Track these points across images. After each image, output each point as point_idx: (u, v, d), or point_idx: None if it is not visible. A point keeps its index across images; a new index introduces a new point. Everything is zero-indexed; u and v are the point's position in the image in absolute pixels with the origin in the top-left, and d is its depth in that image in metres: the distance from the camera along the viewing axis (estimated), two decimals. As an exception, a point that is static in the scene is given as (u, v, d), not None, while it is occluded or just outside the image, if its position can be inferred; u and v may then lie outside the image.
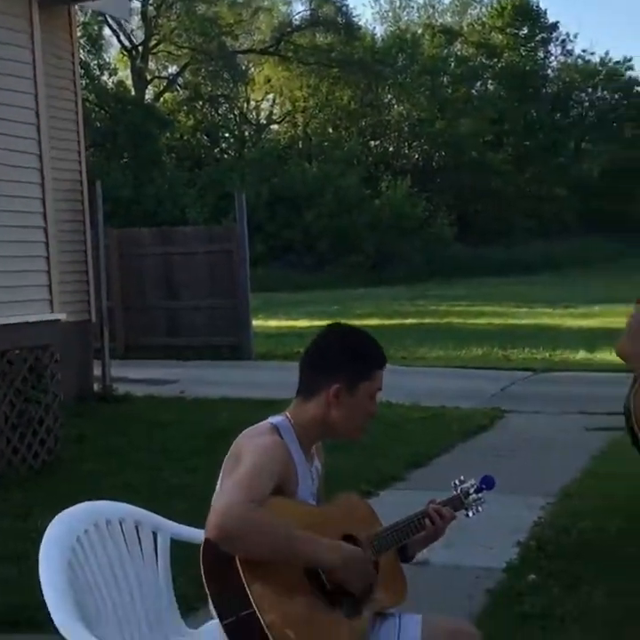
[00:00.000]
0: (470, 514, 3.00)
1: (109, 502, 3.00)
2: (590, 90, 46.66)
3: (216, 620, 2.61)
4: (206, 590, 2.49)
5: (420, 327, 17.71)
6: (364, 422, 2.76)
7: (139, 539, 2.97)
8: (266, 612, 2.35)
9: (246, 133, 44.18)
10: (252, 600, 2.35)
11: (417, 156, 43.09)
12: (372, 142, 43.49)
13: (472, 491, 3.00)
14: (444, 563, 5.15)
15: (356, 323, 17.17)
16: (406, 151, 43.49)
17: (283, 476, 2.56)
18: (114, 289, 13.87)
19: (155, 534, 3.04)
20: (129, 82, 40.56)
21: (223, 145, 44.35)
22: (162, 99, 42.10)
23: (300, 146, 42.28)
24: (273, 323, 18.99)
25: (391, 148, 43.65)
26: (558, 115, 45.20)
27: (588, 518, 5.47)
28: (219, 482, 2.67)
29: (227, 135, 44.90)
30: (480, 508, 3.02)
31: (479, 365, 12.86)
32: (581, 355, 13.11)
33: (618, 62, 46.20)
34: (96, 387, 10.73)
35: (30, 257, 7.86)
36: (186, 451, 7.70)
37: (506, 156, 40.93)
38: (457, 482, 3.03)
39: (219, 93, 43.22)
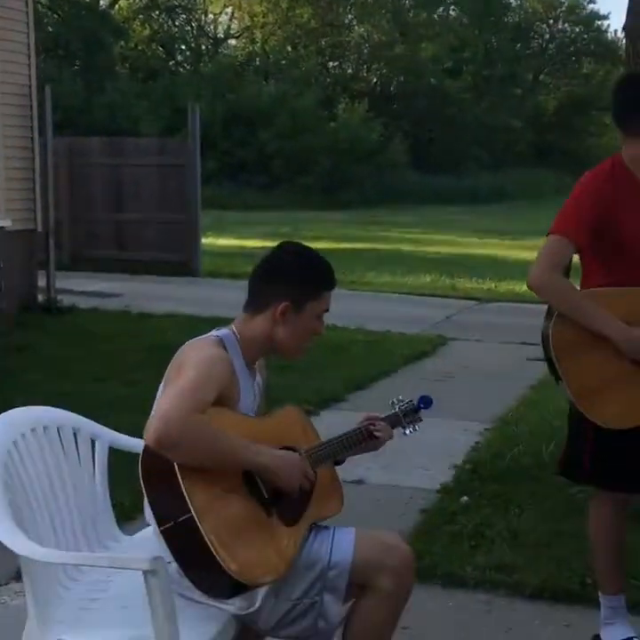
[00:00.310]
0: (407, 432, 3.07)
1: (48, 408, 2.99)
2: (551, 22, 46.39)
3: (152, 527, 2.65)
4: (144, 496, 2.52)
5: (369, 253, 17.73)
6: (307, 342, 2.80)
7: (76, 445, 2.98)
8: (204, 517, 2.39)
9: (203, 47, 43.31)
10: (190, 505, 2.39)
11: (375, 80, 42.67)
12: (331, 63, 42.97)
13: (410, 409, 3.06)
14: (381, 482, 5.26)
15: (307, 245, 17.12)
16: (365, 74, 43.02)
17: (224, 389, 2.58)
18: (62, 199, 13.61)
19: (93, 442, 3.05)
20: (83, -14, 39.35)
21: (179, 57, 43.47)
22: (117, 6, 40.93)
23: (258, 63, 41.59)
24: (223, 241, 18.87)
25: (350, 70, 43.16)
26: (518, 45, 44.92)
27: (522, 444, 5.59)
28: (159, 391, 2.68)
29: (183, 47, 43.96)
30: (417, 427, 3.09)
31: (426, 293, 12.95)
32: (526, 287, 13.21)
33: (580, -6, 45.97)
34: (40, 297, 10.62)
35: (-25, 161, 7.69)
36: (129, 363, 7.69)
37: (464, 84, 40.67)
38: (395, 400, 3.09)
39: (176, 3, 42.16)
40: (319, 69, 40.21)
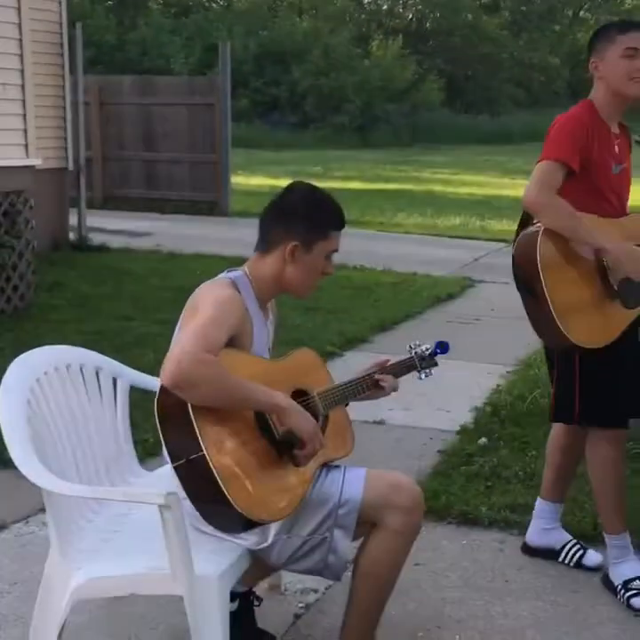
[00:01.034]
0: (422, 376, 3.13)
1: (70, 347, 3.08)
2: (593, -44, 45.28)
3: (170, 464, 2.74)
4: (160, 434, 2.60)
5: (400, 193, 17.64)
6: (316, 281, 2.84)
7: (98, 383, 3.06)
8: (215, 456, 2.47)
9: (237, -18, 42.70)
10: (202, 443, 2.46)
11: (411, 16, 41.95)
12: (366, -1, 42.28)
13: (426, 354, 3.11)
14: (402, 423, 5.34)
15: (337, 185, 17.13)
16: (400, 10, 42.29)
17: (238, 330, 2.64)
18: (93, 138, 13.68)
19: (114, 380, 3.14)
20: None
21: (212, -7, 42.90)
22: (150, -60, 40.40)
23: (291, -1, 41.01)
24: (253, 181, 18.84)
25: (385, 7, 42.42)
26: (558, -20, 43.90)
27: (542, 386, 5.63)
28: (176, 331, 2.75)
29: (216, -18, 43.38)
30: (432, 372, 3.14)
31: (456, 234, 12.91)
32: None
33: None
34: (72, 236, 10.72)
35: (5, 100, 7.73)
36: (157, 303, 7.77)
37: (501, 20, 39.89)
38: (412, 345, 3.14)
39: (210, -62, 41.55)
40: (353, 5, 39.58)
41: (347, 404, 2.98)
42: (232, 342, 2.61)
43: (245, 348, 2.69)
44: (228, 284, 2.72)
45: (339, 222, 2.85)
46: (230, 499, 2.45)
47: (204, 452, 2.45)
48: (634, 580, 3.44)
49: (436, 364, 3.15)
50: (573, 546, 3.70)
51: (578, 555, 3.67)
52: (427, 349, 3.13)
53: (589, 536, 3.83)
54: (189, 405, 2.48)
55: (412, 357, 3.10)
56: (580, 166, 3.25)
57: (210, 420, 2.49)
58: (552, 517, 3.74)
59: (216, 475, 2.45)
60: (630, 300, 3.27)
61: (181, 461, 2.51)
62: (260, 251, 2.83)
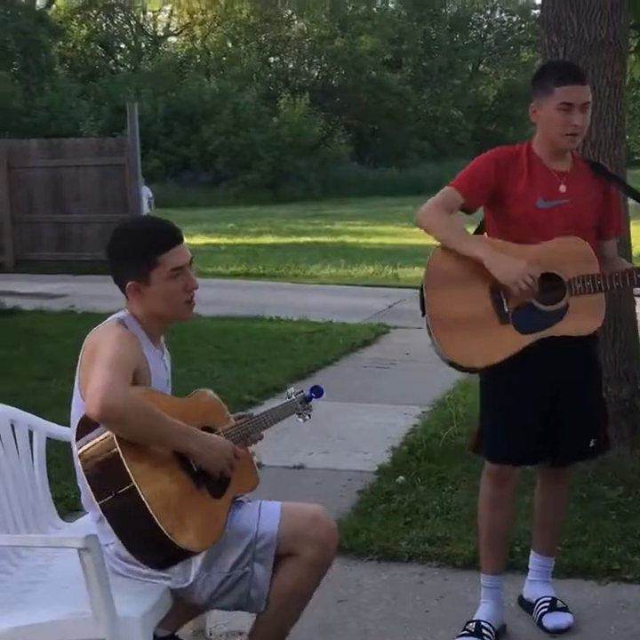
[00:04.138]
0: (301, 420, 3.29)
1: (-16, 402, 3.09)
2: (489, 11, 46.87)
3: (90, 514, 2.77)
4: (81, 472, 2.62)
5: (313, 245, 17.87)
6: (184, 299, 2.85)
7: (14, 436, 3.08)
8: (144, 487, 2.51)
9: (143, 45, 43.07)
10: (131, 475, 2.50)
11: (316, 74, 42.75)
12: (272, 59, 42.94)
13: (302, 399, 3.28)
14: (321, 466, 5.41)
15: (251, 241, 17.28)
16: (306, 68, 43.09)
17: (137, 366, 2.70)
18: (2, 202, 13.61)
19: (31, 433, 3.16)
20: (19, -13, 38.92)
21: (119, 57, 43.18)
22: (54, 6, 40.53)
23: (199, 60, 41.45)
24: (167, 239, 18.83)
25: (291, 65, 43.17)
26: (457, 36, 45.25)
27: (457, 424, 5.77)
28: (76, 380, 2.79)
29: (122, 46, 43.67)
30: (309, 415, 3.30)
31: (370, 283, 13.12)
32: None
33: (516, -16, 46.45)
34: (-17, 301, 10.61)
35: None
36: (73, 363, 7.61)
37: (404, 76, 40.90)
38: (290, 391, 3.33)
39: (114, 2, 41.87)
40: (260, 65, 40.18)
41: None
42: (132, 379, 2.65)
43: (146, 385, 2.74)
44: (118, 324, 2.78)
45: (159, 247, 2.79)
46: (163, 529, 2.48)
47: (134, 484, 2.49)
48: (476, 622, 3.46)
49: (311, 409, 3.31)
50: (543, 602, 3.59)
51: (540, 612, 3.57)
52: (302, 394, 3.30)
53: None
54: (115, 439, 2.51)
55: (293, 401, 3.25)
56: (490, 198, 3.37)
57: (134, 453, 2.53)
58: (534, 570, 3.67)
59: (147, 506, 2.48)
60: (521, 324, 3.26)
61: (109, 497, 2.53)
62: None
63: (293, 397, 3.25)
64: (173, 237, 2.82)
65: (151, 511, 2.48)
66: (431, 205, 3.37)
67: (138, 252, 2.79)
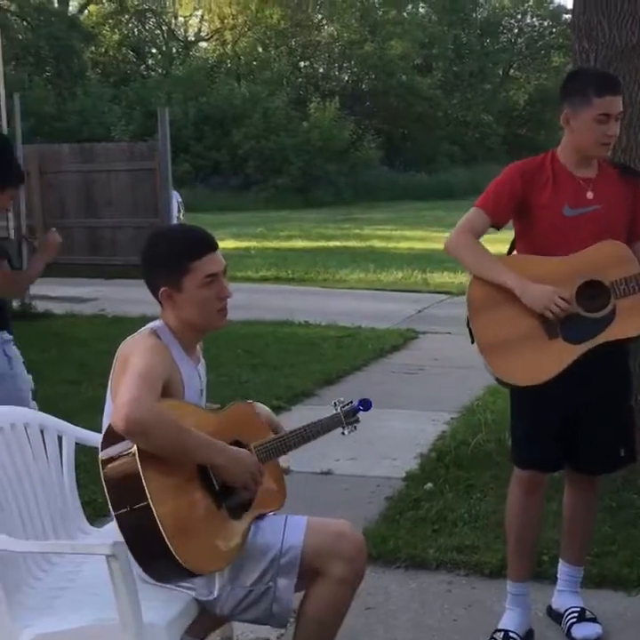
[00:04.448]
0: (346, 432, 3.20)
1: (13, 407, 3.12)
2: (520, 16, 46.66)
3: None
4: (102, 482, 2.63)
5: (343, 250, 17.87)
6: (217, 308, 2.84)
7: (43, 442, 3.10)
8: (159, 505, 2.51)
9: (174, 50, 43.24)
10: (147, 492, 2.50)
11: (346, 79, 42.75)
12: (302, 63, 42.98)
13: (349, 411, 3.19)
14: (349, 473, 5.40)
15: (281, 245, 17.31)
16: (336, 73, 43.10)
17: (168, 377, 2.69)
18: (34, 207, 13.69)
19: (60, 438, 3.18)
20: (52, -8, 39.30)
21: (150, 61, 43.38)
22: (86, 11, 40.85)
23: (229, 65, 41.57)
24: (197, 243, 18.92)
25: (321, 70, 43.21)
26: (487, 40, 45.09)
27: (485, 431, 5.74)
28: (108, 390, 2.80)
29: (154, 51, 43.90)
30: (355, 427, 3.22)
31: (399, 288, 13.10)
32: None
33: (547, -12, 46.28)
34: (15, 304, 10.69)
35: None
36: (103, 366, 7.70)
37: (434, 80, 40.81)
38: (337, 402, 3.22)
39: (145, 7, 42.15)
40: (290, 69, 40.23)
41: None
42: (164, 390, 2.66)
43: (178, 396, 2.74)
44: (151, 334, 2.79)
45: (194, 253, 2.80)
46: (172, 549, 2.48)
47: (149, 502, 2.49)
48: (504, 631, 3.46)
49: (358, 421, 3.23)
50: (572, 613, 3.58)
51: (569, 623, 3.56)
52: (350, 406, 3.22)
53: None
54: (137, 453, 2.52)
55: (339, 414, 3.18)
56: (517, 211, 3.38)
57: (155, 468, 2.54)
58: (562, 579, 3.66)
59: (159, 525, 2.48)
60: (570, 335, 3.26)
61: (124, 510, 2.54)
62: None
63: (340, 410, 3.16)
64: (207, 245, 2.82)
65: (163, 531, 2.48)
66: (458, 232, 3.40)
67: (171, 259, 2.80)
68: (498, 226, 3.44)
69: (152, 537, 2.49)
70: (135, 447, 2.53)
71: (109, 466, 2.59)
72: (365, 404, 3.22)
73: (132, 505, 2.52)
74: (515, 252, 3.52)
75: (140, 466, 2.52)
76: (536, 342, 3.27)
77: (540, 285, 3.25)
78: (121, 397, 2.54)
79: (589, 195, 3.36)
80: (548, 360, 3.26)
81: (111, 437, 2.60)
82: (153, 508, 2.49)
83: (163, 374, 2.66)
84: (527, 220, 3.41)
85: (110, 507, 2.60)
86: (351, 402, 3.21)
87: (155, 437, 2.51)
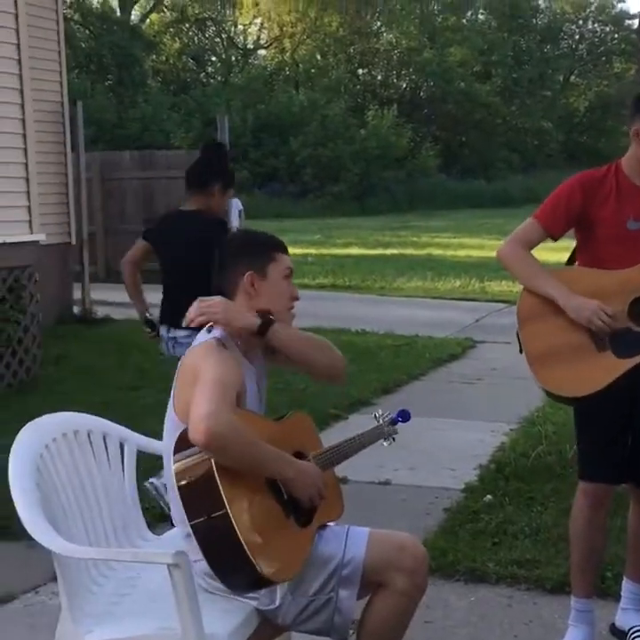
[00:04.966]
0: (385, 443, 3.23)
1: (78, 414, 3.14)
2: (581, 22, 46.19)
3: (178, 528, 2.78)
4: (176, 491, 2.62)
5: (400, 258, 17.82)
6: (288, 305, 2.89)
7: (106, 448, 3.12)
8: (236, 514, 2.50)
9: (233, 58, 43.59)
10: (225, 501, 2.49)
11: (405, 86, 42.71)
12: (360, 70, 43.04)
13: (389, 422, 3.22)
14: (407, 483, 5.36)
15: (338, 252, 17.33)
16: (394, 80, 43.07)
17: (239, 388, 2.69)
18: (95, 213, 13.87)
19: (122, 445, 3.20)
20: (114, 2, 39.82)
21: (209, 69, 43.79)
22: (148, 20, 41.42)
23: (288, 72, 41.80)
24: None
25: (379, 77, 43.22)
26: (548, 47, 44.68)
27: (546, 443, 5.67)
28: (171, 398, 2.79)
29: (213, 59, 44.29)
30: (394, 438, 3.25)
31: (456, 296, 13.02)
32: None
33: (610, -6, 45.79)
34: (76, 309, 10.84)
35: (9, 178, 7.89)
36: (163, 371, 7.78)
37: (493, 87, 40.58)
38: (377, 414, 3.26)
39: (206, 16, 42.55)
40: (348, 77, 40.30)
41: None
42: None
43: (241, 404, 2.72)
44: (217, 344, 2.74)
45: (277, 244, 2.93)
46: (250, 557, 2.47)
47: (227, 510, 2.48)
48: None
49: (396, 432, 3.26)
50: (636, 631, 3.51)
51: None
52: (390, 418, 3.24)
53: (596, 588, 3.81)
54: (213, 464, 2.51)
55: (381, 425, 3.20)
56: (579, 225, 3.36)
57: (230, 478, 2.53)
58: (626, 597, 3.61)
59: (238, 533, 2.48)
60: (619, 349, 3.23)
61: (201, 519, 2.54)
62: None
63: (381, 421, 3.20)
64: (283, 244, 2.97)
65: (241, 539, 2.47)
66: (510, 242, 3.41)
67: (258, 246, 2.91)
68: (554, 237, 3.42)
69: (230, 546, 2.48)
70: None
71: (183, 474, 2.58)
72: (404, 416, 3.26)
73: (209, 514, 2.51)
74: (576, 263, 3.48)
75: (217, 474, 2.51)
76: (584, 355, 3.25)
77: (584, 299, 3.24)
78: (199, 410, 2.51)
79: None
80: (595, 373, 3.23)
81: (183, 445, 2.59)
82: (231, 517, 2.48)
83: (236, 385, 2.64)
84: (588, 232, 3.37)
85: (185, 516, 2.59)
86: (390, 413, 3.25)
87: (232, 451, 2.50)
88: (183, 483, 2.59)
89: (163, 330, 4.99)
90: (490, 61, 41.63)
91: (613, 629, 3.62)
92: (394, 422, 3.23)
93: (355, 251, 19.22)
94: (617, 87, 40.85)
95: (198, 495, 2.56)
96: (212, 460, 2.51)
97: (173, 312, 4.61)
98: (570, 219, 3.36)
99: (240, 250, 2.91)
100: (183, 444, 2.59)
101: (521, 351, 3.34)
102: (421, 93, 41.95)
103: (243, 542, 2.47)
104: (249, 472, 2.58)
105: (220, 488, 2.50)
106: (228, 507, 2.49)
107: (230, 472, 2.53)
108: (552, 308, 3.29)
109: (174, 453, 2.61)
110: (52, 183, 10.06)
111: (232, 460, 2.52)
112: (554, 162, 39.10)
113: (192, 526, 2.57)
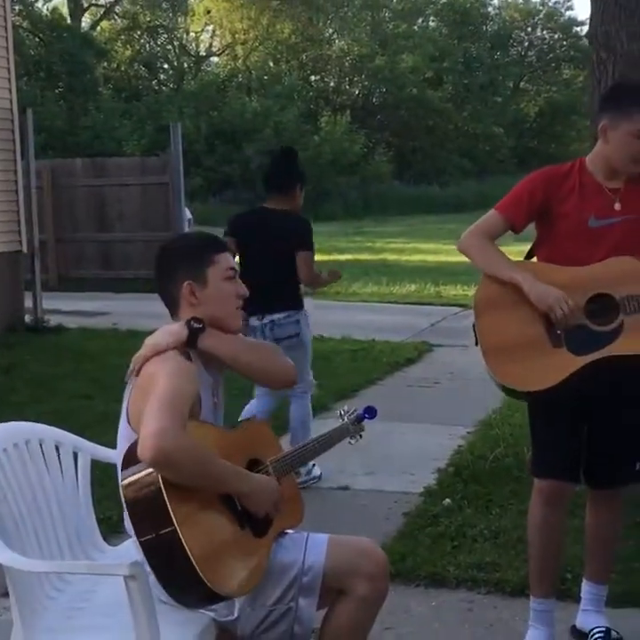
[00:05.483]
0: (352, 441, 3.15)
1: (29, 423, 3.07)
2: (530, 29, 46.70)
3: (133, 538, 2.71)
4: (125, 508, 2.56)
5: (355, 263, 17.82)
6: (235, 305, 2.81)
7: (59, 458, 3.04)
8: (185, 530, 2.42)
9: (185, 65, 43.41)
10: (173, 518, 2.42)
11: (357, 92, 42.82)
12: (313, 77, 43.07)
13: (355, 419, 3.14)
14: (366, 488, 5.34)
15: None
16: (347, 87, 43.16)
17: (194, 398, 2.63)
18: (46, 221, 13.71)
19: (75, 455, 3.12)
20: (65, 9, 39.48)
21: (162, 76, 43.55)
22: (99, 27, 41.10)
23: (240, 79, 41.64)
24: (209, 257, 18.93)
25: (332, 84, 43.28)
26: (498, 53, 45.10)
27: (503, 445, 5.67)
28: (124, 404, 2.73)
29: (165, 66, 44.07)
30: (361, 436, 3.17)
31: (412, 301, 13.04)
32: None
33: (557, 2, 46.38)
34: (27, 318, 10.67)
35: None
36: (116, 381, 7.67)
37: (445, 93, 40.83)
38: (342, 411, 3.18)
39: (157, 23, 42.34)
40: (301, 84, 40.28)
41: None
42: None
43: (196, 413, 2.65)
44: (177, 354, 2.67)
45: (214, 245, 2.83)
46: (201, 575, 2.40)
47: (176, 527, 2.41)
48: None
49: (363, 429, 3.18)
50: (597, 633, 3.47)
51: None
52: (355, 415, 3.17)
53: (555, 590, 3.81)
54: (160, 480, 2.44)
55: (346, 423, 3.13)
56: (539, 218, 3.36)
57: (178, 493, 2.46)
58: (586, 598, 3.58)
59: (187, 551, 2.41)
60: (574, 346, 3.21)
61: (149, 536, 2.46)
62: (173, 315, 2.83)
63: (346, 419, 3.12)
64: (223, 243, 2.89)
65: (191, 557, 2.40)
66: (472, 231, 3.40)
67: (195, 251, 2.80)
68: (515, 230, 3.41)
69: (180, 562, 2.41)
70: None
71: (131, 490, 2.51)
72: (371, 412, 3.18)
73: (157, 531, 2.43)
74: (534, 258, 3.48)
75: (164, 490, 2.44)
76: (539, 349, 3.23)
77: (550, 286, 3.22)
78: (147, 427, 2.43)
79: (617, 206, 3.30)
80: (549, 369, 3.21)
81: (131, 460, 2.52)
82: (180, 534, 2.41)
83: (190, 396, 2.56)
84: (549, 227, 3.37)
85: (133, 532, 2.52)
86: (356, 410, 3.17)
87: (182, 470, 2.43)
88: (130, 499, 2.52)
89: (253, 320, 5.23)
90: (441, 68, 41.85)
91: (574, 631, 3.61)
92: (360, 419, 3.15)
93: (309, 257, 19.18)
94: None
95: (146, 511, 2.49)
96: (159, 476, 2.44)
97: (266, 300, 4.99)
98: (531, 211, 3.35)
99: (176, 259, 2.80)
100: (132, 457, 2.51)
101: (477, 343, 3.30)
102: (374, 100, 42.11)
103: (193, 559, 2.40)
104: (201, 489, 2.51)
105: (168, 504, 2.42)
106: (176, 523, 2.41)
107: (179, 487, 2.46)
108: (509, 299, 3.26)
109: (123, 467, 2.54)
110: (1, 191, 9.92)
111: (181, 479, 2.44)
112: (505, 167, 39.41)
113: (141, 543, 2.49)
